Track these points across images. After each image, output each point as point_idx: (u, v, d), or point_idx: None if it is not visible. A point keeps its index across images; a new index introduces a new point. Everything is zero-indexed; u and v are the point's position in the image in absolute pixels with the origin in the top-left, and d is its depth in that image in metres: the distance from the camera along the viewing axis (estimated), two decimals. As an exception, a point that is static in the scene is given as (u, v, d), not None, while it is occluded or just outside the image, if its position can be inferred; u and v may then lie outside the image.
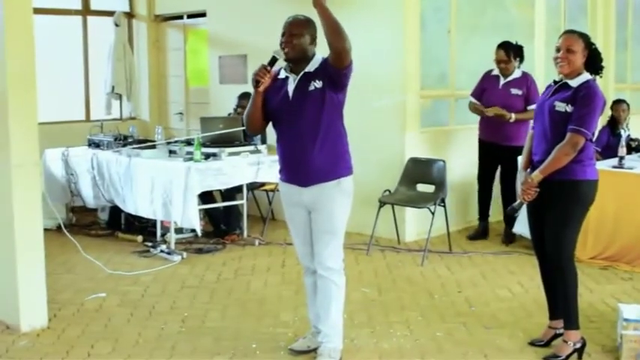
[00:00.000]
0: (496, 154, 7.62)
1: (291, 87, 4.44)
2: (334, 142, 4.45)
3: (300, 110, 4.37)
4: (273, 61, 4.37)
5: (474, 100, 7.73)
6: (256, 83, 4.36)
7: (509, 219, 7.52)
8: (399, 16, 7.74)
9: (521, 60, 7.64)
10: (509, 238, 7.60)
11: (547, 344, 4.90)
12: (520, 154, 7.40)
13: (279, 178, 4.69)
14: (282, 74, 4.49)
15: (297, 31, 4.39)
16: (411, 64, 7.81)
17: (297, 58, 4.42)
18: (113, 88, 10.38)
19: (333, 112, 4.42)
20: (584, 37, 4.67)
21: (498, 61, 7.55)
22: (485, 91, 7.64)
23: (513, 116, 7.39)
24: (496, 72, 7.65)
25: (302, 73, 4.43)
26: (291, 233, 4.77)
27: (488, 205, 7.86)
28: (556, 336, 4.89)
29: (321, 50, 4.46)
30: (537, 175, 4.59)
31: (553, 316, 4.94)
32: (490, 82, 7.67)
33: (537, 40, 9.43)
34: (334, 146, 4.46)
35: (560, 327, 4.85)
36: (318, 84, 4.37)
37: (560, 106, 4.58)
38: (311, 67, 4.43)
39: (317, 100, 4.36)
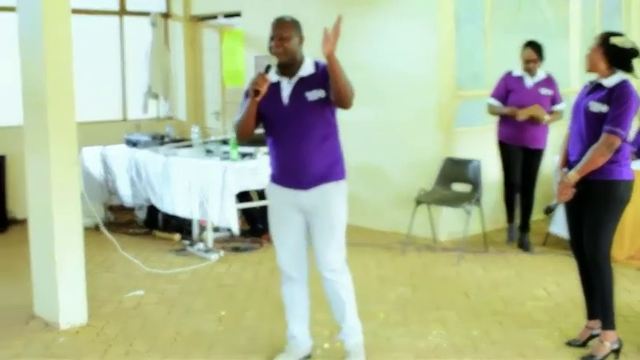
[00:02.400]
0: (521, 157, 7.40)
1: (285, 92, 4.38)
2: (332, 145, 4.41)
3: (297, 116, 4.30)
4: (268, 68, 4.32)
5: (495, 102, 7.41)
6: (256, 92, 4.26)
7: (525, 225, 7.50)
8: (434, 16, 7.73)
9: (543, 60, 7.34)
10: (525, 244, 7.43)
11: (584, 344, 4.88)
12: (541, 156, 7.38)
13: (270, 181, 4.59)
14: (274, 78, 4.40)
15: (286, 34, 4.34)
16: (446, 63, 7.79)
17: (288, 62, 4.37)
18: (150, 87, 10.45)
19: (331, 117, 4.40)
20: (601, 35, 4.70)
21: (527, 60, 7.26)
22: (512, 92, 7.32)
23: (546, 117, 7.23)
24: (518, 73, 7.37)
25: (297, 78, 4.37)
26: (276, 238, 4.62)
27: (515, 209, 7.66)
28: (593, 336, 4.86)
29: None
30: (573, 175, 4.58)
31: (590, 316, 4.91)
32: (515, 83, 7.35)
33: (572, 39, 9.36)
34: (332, 149, 4.40)
35: (598, 327, 4.82)
36: (321, 93, 4.31)
37: (595, 107, 4.56)
38: (304, 71, 4.38)
39: (318, 108, 4.31)
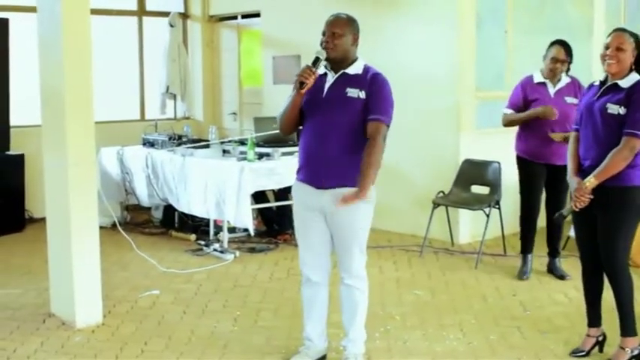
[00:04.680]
0: (544, 175, 6.50)
1: (327, 84, 4.37)
2: (361, 148, 4.30)
3: (332, 109, 4.26)
4: (316, 61, 4.28)
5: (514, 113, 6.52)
6: (300, 84, 4.24)
7: (554, 250, 6.67)
8: (454, 16, 7.69)
9: (569, 68, 6.46)
10: (557, 271, 6.63)
11: (588, 354, 4.81)
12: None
13: (295, 179, 4.56)
14: (322, 70, 4.38)
15: (339, 30, 4.31)
16: (466, 64, 7.74)
17: (338, 59, 4.35)
18: (168, 88, 10.47)
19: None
20: (635, 37, 4.57)
21: (555, 59, 6.31)
22: (534, 102, 6.37)
23: None
24: (539, 78, 6.44)
25: (341, 72, 4.36)
26: (299, 240, 4.57)
27: (534, 237, 6.74)
28: (598, 343, 4.81)
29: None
30: (592, 181, 4.45)
31: (591, 323, 4.84)
32: (536, 91, 6.41)
33: (596, 40, 9.28)
34: (360, 153, 4.30)
35: (599, 335, 4.81)
36: (361, 94, 4.29)
37: (613, 109, 4.45)
38: (351, 69, 4.37)
39: (354, 106, 4.28)
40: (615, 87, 4.52)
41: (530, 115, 6.34)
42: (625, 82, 4.49)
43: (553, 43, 6.42)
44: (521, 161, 6.60)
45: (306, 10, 9.09)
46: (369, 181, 4.20)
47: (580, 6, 9.21)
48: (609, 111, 4.47)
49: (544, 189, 6.61)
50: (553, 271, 6.64)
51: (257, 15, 9.97)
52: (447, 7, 7.74)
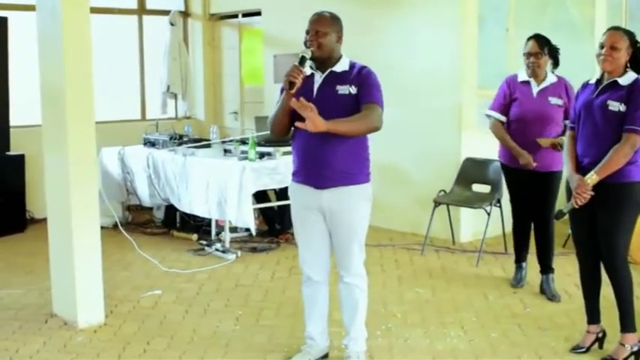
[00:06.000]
0: (527, 182, 6.02)
1: (316, 85, 4.36)
2: (356, 146, 4.33)
3: (325, 108, 4.18)
4: (302, 61, 4.26)
5: (500, 116, 6.12)
6: (290, 84, 4.20)
7: (545, 266, 6.12)
8: (456, 15, 7.68)
9: (556, 64, 6.00)
10: (549, 291, 6.03)
11: (588, 350, 4.83)
12: (556, 180, 5.99)
13: (292, 180, 4.55)
14: (309, 71, 4.37)
15: (323, 29, 4.31)
16: (468, 63, 7.74)
17: (323, 57, 4.34)
18: (168, 87, 10.47)
19: None
20: (630, 35, 4.61)
21: (528, 54, 5.93)
22: (516, 101, 6.01)
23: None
24: (523, 77, 6.02)
25: (328, 71, 4.35)
26: (298, 239, 4.59)
27: (528, 244, 6.35)
28: (597, 339, 4.83)
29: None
30: (594, 177, 4.45)
31: (591, 320, 4.87)
32: (519, 89, 6.02)
33: (597, 39, 9.26)
34: (356, 150, 4.33)
35: (599, 331, 4.83)
36: (352, 89, 4.28)
37: (614, 106, 4.47)
38: (338, 67, 4.36)
39: (347, 104, 4.26)
40: (614, 85, 4.54)
41: (513, 150, 5.97)
42: (624, 80, 4.52)
43: (528, 39, 6.03)
44: (505, 168, 6.26)
45: (307, 9, 8.92)
46: (342, 125, 4.18)
47: (581, 5, 9.20)
48: (610, 108, 4.48)
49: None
50: (545, 291, 6.06)
51: (258, 13, 9.97)
52: (449, 6, 7.73)
